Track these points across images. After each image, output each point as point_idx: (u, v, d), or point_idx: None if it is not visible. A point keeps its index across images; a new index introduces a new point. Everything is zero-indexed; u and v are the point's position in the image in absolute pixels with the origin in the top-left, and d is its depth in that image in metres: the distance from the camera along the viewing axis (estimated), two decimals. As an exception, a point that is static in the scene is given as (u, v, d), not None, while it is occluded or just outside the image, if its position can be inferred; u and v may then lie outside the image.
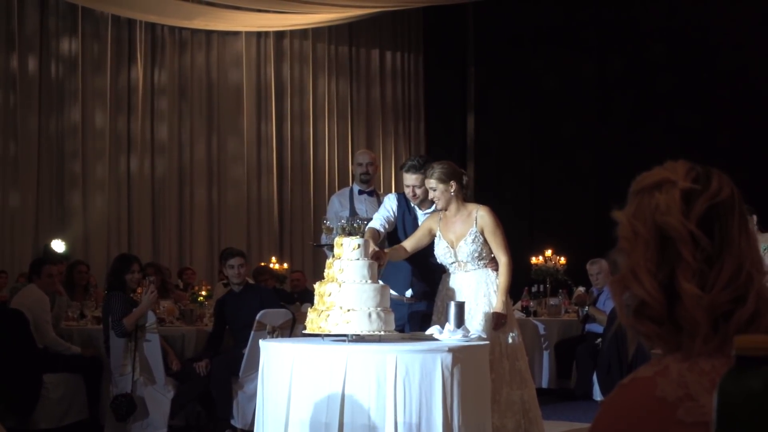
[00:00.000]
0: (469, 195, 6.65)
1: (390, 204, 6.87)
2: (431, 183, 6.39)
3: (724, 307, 1.51)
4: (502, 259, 6.37)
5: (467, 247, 6.35)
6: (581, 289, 10.81)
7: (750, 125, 13.32)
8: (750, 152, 12.97)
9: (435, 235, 6.49)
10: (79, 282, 9.94)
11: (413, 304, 6.70)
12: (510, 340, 6.38)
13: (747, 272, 1.53)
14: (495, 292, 6.36)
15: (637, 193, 1.60)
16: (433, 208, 6.75)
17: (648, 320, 1.54)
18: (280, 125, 14.79)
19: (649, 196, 1.57)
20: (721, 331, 1.51)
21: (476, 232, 6.35)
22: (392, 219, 6.76)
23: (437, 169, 6.42)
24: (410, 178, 6.64)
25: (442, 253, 6.46)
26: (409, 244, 6.52)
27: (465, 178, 6.50)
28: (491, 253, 6.43)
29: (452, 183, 6.36)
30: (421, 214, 6.80)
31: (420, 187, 6.62)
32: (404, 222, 6.80)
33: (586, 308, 10.23)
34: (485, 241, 6.38)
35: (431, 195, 6.47)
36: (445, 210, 6.44)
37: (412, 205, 6.81)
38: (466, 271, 6.43)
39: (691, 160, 1.62)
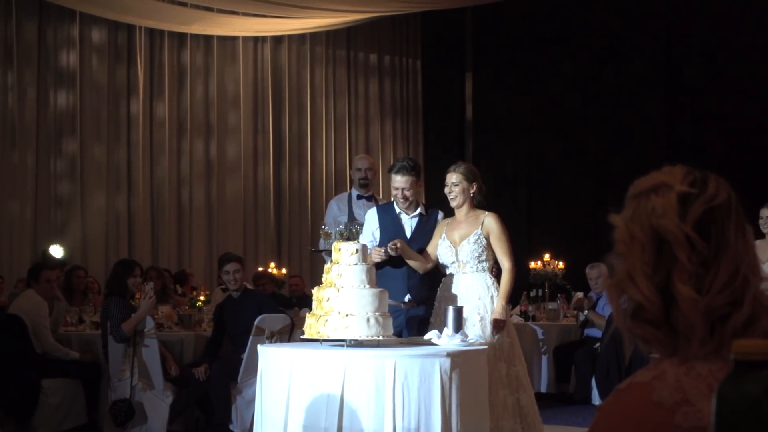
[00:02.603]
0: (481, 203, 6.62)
1: (369, 227, 6.83)
2: (454, 178, 6.44)
3: (720, 310, 1.51)
4: (506, 264, 6.40)
5: (469, 246, 6.39)
6: (579, 294, 10.80)
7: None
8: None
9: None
10: (78, 287, 9.94)
11: (410, 310, 6.68)
12: (507, 345, 6.39)
13: (743, 276, 1.53)
14: (492, 296, 6.37)
15: (635, 197, 1.60)
16: (418, 210, 6.73)
17: (645, 323, 1.54)
18: (278, 129, 14.79)
19: (645, 200, 1.58)
20: (717, 334, 1.51)
21: (480, 234, 6.39)
22: (376, 243, 6.69)
23: (464, 166, 6.53)
24: (400, 180, 6.60)
25: (443, 252, 6.49)
26: (430, 250, 6.58)
27: (484, 188, 6.54)
28: (493, 257, 6.46)
29: (474, 184, 6.44)
30: (407, 219, 6.76)
31: (409, 189, 6.62)
32: (388, 229, 6.73)
33: (585, 312, 10.22)
34: (488, 245, 6.42)
35: (447, 190, 6.48)
36: (459, 208, 6.47)
37: (397, 211, 6.75)
38: (464, 273, 6.44)
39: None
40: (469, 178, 6.44)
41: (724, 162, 10.14)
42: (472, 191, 6.44)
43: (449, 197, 6.50)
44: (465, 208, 6.48)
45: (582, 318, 10.35)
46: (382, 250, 6.39)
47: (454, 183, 6.44)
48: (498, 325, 6.31)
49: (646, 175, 1.62)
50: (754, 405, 1.19)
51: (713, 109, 13.44)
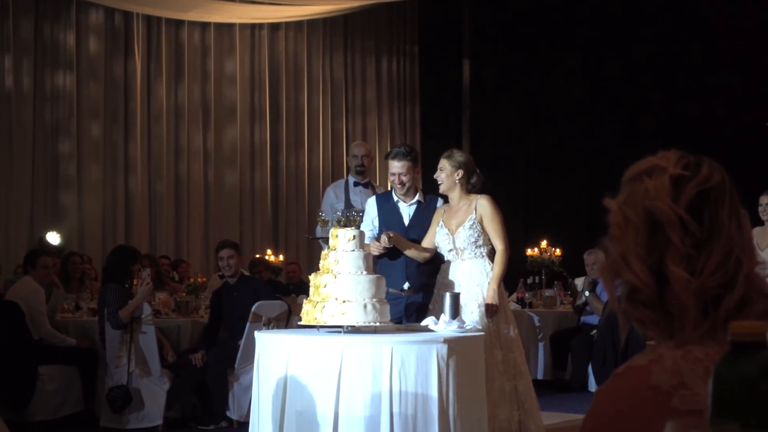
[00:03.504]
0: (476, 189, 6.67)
1: (369, 216, 6.90)
2: (440, 163, 6.54)
3: (712, 292, 1.52)
4: (499, 246, 6.44)
5: (465, 232, 6.42)
6: (578, 281, 10.76)
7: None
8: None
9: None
10: (74, 274, 9.93)
11: (410, 297, 6.70)
12: (504, 331, 6.40)
13: (736, 258, 1.54)
14: (489, 282, 6.39)
15: (629, 181, 1.62)
16: (416, 198, 6.77)
17: (641, 305, 1.55)
18: (274, 117, 14.77)
19: (639, 183, 1.59)
20: (711, 316, 1.51)
21: (475, 218, 6.44)
22: (376, 231, 6.76)
23: (456, 154, 6.61)
24: (397, 166, 6.68)
25: (441, 240, 6.53)
26: (426, 241, 6.63)
27: (476, 177, 6.57)
28: (489, 243, 6.48)
29: (460, 171, 6.48)
30: (404, 207, 6.80)
31: (406, 174, 6.66)
32: (386, 217, 6.80)
33: (587, 293, 10.07)
34: (484, 230, 6.45)
35: (436, 174, 6.56)
36: (447, 193, 6.55)
37: (395, 199, 6.81)
38: (462, 260, 6.47)
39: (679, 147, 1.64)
40: (454, 164, 6.50)
41: (725, 151, 10.11)
42: (457, 177, 6.49)
43: (438, 182, 6.58)
44: (456, 194, 6.54)
45: (582, 300, 10.24)
46: (381, 245, 6.41)
47: (440, 168, 6.54)
48: (490, 309, 6.33)
49: (641, 160, 1.63)
50: (750, 386, 1.19)
51: (713, 98, 13.43)
